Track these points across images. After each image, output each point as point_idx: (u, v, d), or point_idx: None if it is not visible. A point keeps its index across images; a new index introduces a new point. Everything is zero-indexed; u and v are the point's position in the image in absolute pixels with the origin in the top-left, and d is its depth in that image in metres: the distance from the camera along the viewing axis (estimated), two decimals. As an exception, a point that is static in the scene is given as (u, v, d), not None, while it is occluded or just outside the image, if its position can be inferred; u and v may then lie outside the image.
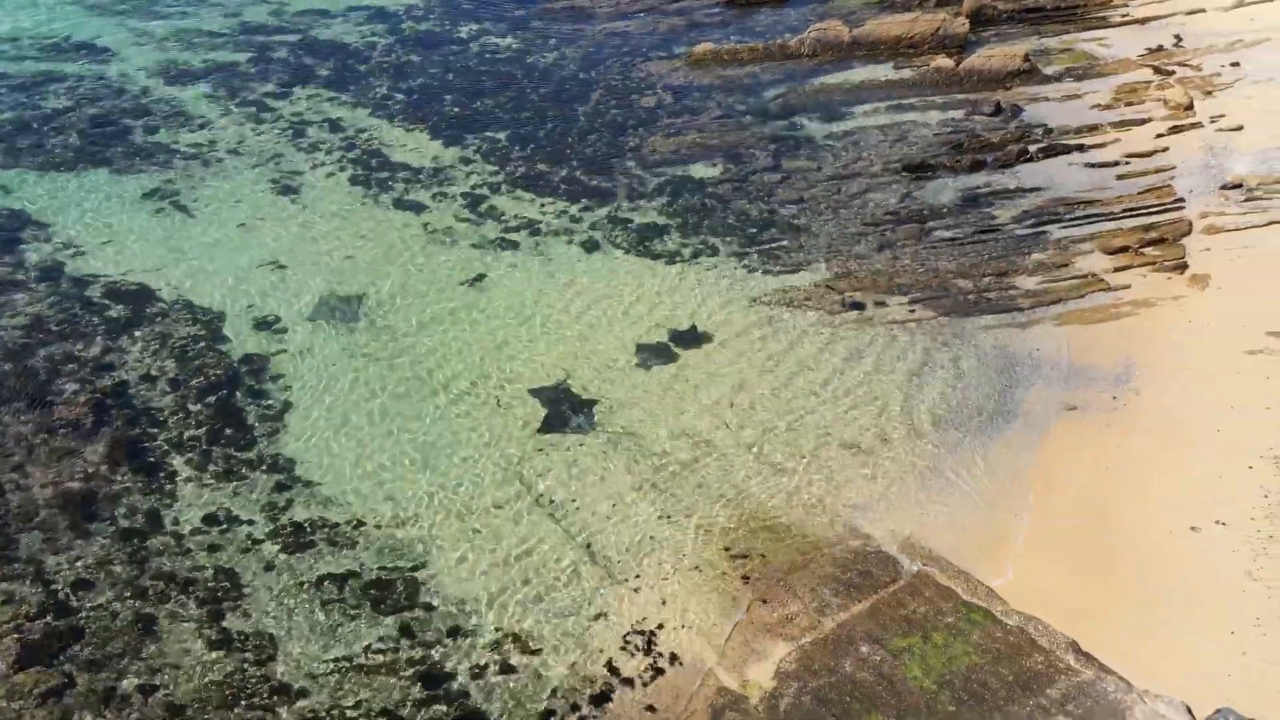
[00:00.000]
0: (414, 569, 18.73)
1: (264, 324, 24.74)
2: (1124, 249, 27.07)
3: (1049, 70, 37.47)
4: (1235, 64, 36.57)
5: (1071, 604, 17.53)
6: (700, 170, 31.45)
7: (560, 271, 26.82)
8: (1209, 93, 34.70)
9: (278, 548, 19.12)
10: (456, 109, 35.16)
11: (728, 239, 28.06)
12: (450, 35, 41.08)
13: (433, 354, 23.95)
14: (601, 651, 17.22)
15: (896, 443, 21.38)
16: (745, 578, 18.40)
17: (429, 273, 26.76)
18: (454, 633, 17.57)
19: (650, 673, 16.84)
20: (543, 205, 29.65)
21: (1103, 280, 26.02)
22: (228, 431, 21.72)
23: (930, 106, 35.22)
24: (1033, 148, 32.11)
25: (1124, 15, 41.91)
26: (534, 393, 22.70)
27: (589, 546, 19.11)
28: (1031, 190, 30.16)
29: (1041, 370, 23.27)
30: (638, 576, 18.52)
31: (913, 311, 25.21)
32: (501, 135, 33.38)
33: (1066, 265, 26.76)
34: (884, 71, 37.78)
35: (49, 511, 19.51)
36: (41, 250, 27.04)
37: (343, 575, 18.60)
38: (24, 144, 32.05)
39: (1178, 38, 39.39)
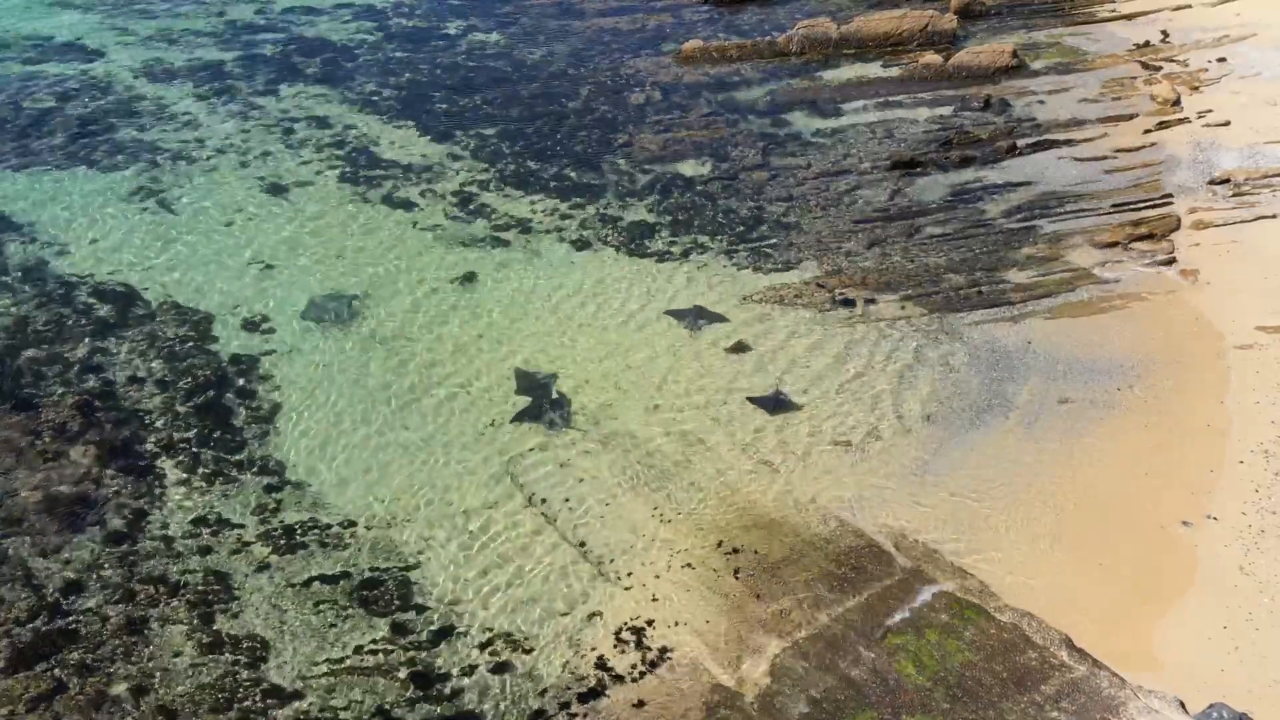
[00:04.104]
0: (406, 569, 18.64)
1: (252, 324, 24.59)
2: (1113, 244, 27.16)
3: (1037, 65, 37.58)
4: (1222, 59, 36.72)
5: (1064, 599, 17.56)
6: (689, 168, 31.41)
7: (551, 270, 26.74)
8: (1196, 88, 34.83)
9: (269, 549, 19.00)
10: (445, 106, 35.02)
11: (717, 237, 28.03)
12: (437, 31, 40.95)
13: (423, 353, 23.84)
14: (594, 649, 17.17)
15: (888, 438, 21.37)
16: (738, 573, 18.37)
17: (419, 271, 26.64)
18: (446, 632, 17.50)
19: (643, 670, 16.78)
20: (532, 203, 29.56)
21: (1093, 275, 26.09)
22: (217, 433, 21.58)
23: (919, 103, 35.27)
24: (1021, 143, 32.18)
25: (1111, 11, 42.07)
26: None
27: (581, 545, 19.05)
28: (1021, 185, 30.23)
29: (1033, 365, 23.29)
30: (630, 574, 18.46)
31: (903, 307, 25.22)
32: (490, 132, 33.28)
33: (1056, 260, 26.81)
34: (872, 68, 37.82)
35: (37, 515, 19.35)
36: (26, 250, 26.81)
37: (334, 576, 18.50)
38: (7, 143, 31.78)
39: (1164, 33, 39.53)
